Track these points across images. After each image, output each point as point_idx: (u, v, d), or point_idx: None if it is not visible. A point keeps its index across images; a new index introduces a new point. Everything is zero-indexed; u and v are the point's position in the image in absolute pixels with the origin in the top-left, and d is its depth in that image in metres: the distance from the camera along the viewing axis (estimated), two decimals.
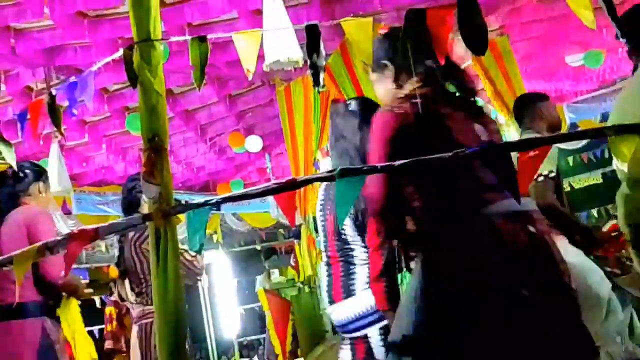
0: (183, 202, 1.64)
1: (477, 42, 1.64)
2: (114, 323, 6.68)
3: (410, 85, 2.00)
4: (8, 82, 4.83)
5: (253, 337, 9.61)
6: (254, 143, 6.63)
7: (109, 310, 6.77)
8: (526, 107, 3.61)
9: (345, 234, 2.42)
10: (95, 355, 3.49)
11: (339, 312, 2.40)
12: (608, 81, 7.04)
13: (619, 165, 1.27)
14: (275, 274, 8.62)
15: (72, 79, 2.09)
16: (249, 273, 9.74)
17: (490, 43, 1.94)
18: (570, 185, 9.90)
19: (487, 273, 1.82)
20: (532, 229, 1.89)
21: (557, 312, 1.85)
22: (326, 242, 2.52)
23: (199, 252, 1.61)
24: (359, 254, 2.39)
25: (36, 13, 3.98)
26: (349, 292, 2.36)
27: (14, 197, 3.13)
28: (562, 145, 7.19)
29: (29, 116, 2.35)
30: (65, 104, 2.28)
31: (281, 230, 11.40)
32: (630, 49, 3.04)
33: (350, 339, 2.38)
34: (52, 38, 4.39)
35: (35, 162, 3.55)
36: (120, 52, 1.78)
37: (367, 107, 2.56)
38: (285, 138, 5.57)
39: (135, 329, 3.54)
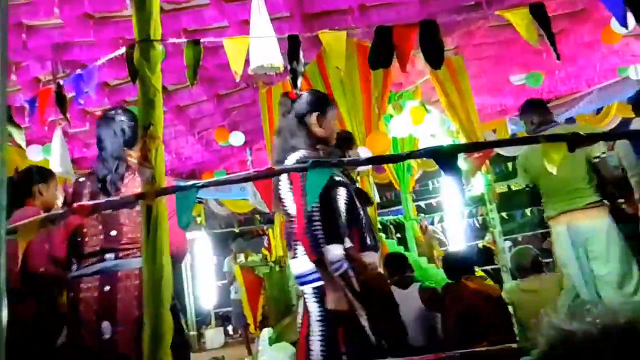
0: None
1: (435, 58, 1.66)
2: None
3: None
4: (19, 73, 4.74)
5: (228, 309, 9.60)
6: (237, 138, 6.61)
7: None
8: (536, 109, 3.66)
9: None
10: None
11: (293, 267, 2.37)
12: (545, 100, 7.15)
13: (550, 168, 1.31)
14: (241, 258, 8.58)
15: (78, 71, 2.06)
16: (227, 252, 9.71)
17: (446, 60, 1.98)
18: (508, 187, 10.09)
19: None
20: (107, 287, 2.12)
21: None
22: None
23: (185, 229, 1.60)
24: None
25: (47, 12, 3.92)
26: (294, 255, 2.31)
27: (17, 199, 2.91)
28: (503, 152, 7.29)
29: (37, 104, 2.31)
30: (71, 94, 2.26)
31: (257, 216, 11.37)
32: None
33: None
34: (60, 35, 4.33)
35: (38, 166, 3.31)
36: (123, 50, 1.77)
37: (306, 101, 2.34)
38: (265, 135, 5.57)
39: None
